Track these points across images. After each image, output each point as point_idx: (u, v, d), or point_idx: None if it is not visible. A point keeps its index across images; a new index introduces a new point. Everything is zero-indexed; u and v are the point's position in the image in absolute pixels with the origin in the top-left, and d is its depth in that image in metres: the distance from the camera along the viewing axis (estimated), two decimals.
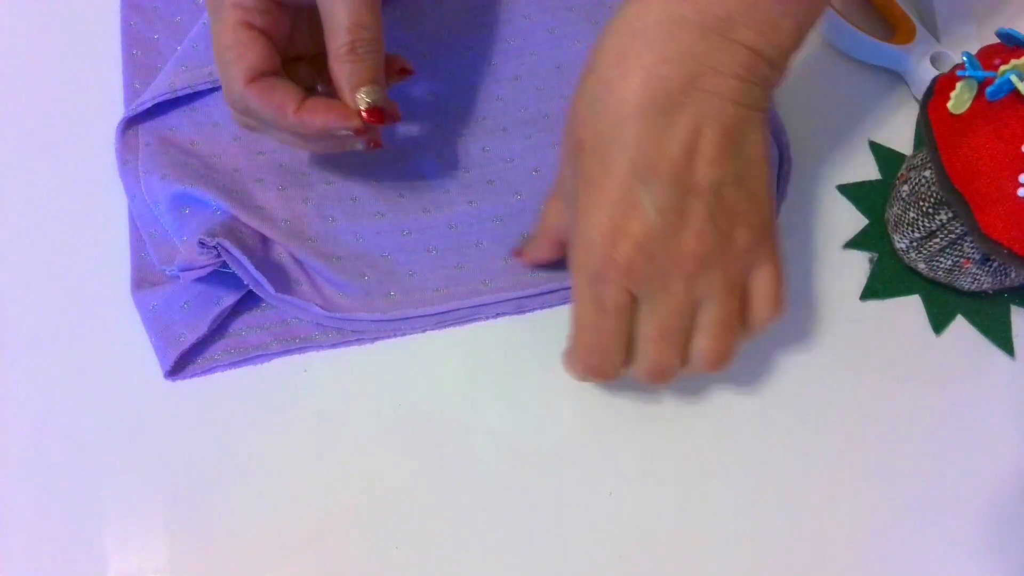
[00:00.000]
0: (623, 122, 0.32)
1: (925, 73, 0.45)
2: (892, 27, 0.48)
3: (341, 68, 0.36)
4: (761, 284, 0.35)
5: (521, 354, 0.41)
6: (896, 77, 0.48)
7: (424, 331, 0.42)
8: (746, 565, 0.38)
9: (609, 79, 0.33)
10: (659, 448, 0.40)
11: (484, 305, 0.41)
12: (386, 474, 0.39)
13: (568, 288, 0.40)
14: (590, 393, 0.41)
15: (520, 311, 0.42)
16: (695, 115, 0.32)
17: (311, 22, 0.37)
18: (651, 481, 0.39)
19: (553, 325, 0.42)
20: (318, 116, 0.36)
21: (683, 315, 0.34)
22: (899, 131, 0.46)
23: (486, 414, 0.40)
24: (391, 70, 0.40)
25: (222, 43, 0.36)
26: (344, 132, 0.37)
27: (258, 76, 0.36)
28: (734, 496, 0.39)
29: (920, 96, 0.46)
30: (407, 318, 0.41)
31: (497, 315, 0.42)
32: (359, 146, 0.39)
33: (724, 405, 0.41)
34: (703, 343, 0.35)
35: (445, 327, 0.42)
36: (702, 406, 0.41)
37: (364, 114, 0.37)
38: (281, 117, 0.36)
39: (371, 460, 0.39)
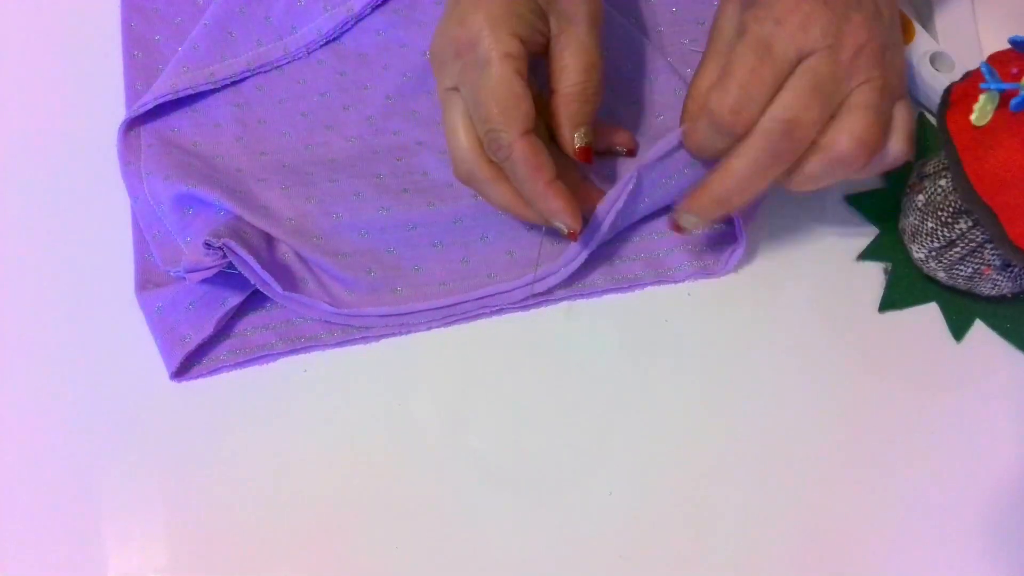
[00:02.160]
0: None
1: (925, 74, 0.45)
2: None
3: (567, 106, 0.37)
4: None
5: (522, 355, 0.41)
6: None
7: (430, 327, 0.42)
8: (747, 566, 0.38)
9: None
10: (660, 449, 0.40)
11: (489, 296, 0.42)
12: (387, 473, 0.39)
13: (572, 268, 0.41)
14: (591, 393, 0.41)
15: (524, 306, 0.42)
16: None
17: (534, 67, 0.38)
18: (651, 481, 0.39)
19: (554, 325, 0.42)
20: (559, 200, 0.37)
21: None
22: None
23: (486, 414, 0.40)
24: (613, 139, 0.42)
25: (499, 91, 0.35)
26: (559, 225, 0.37)
27: (530, 130, 0.36)
28: (742, 501, 0.39)
29: (920, 97, 0.45)
30: (413, 312, 0.41)
31: (501, 310, 0.42)
32: (564, 231, 0.38)
33: (738, 414, 0.40)
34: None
35: (451, 323, 0.42)
36: (711, 411, 0.40)
37: (577, 151, 0.38)
38: (532, 181, 0.36)
39: (372, 459, 0.39)
